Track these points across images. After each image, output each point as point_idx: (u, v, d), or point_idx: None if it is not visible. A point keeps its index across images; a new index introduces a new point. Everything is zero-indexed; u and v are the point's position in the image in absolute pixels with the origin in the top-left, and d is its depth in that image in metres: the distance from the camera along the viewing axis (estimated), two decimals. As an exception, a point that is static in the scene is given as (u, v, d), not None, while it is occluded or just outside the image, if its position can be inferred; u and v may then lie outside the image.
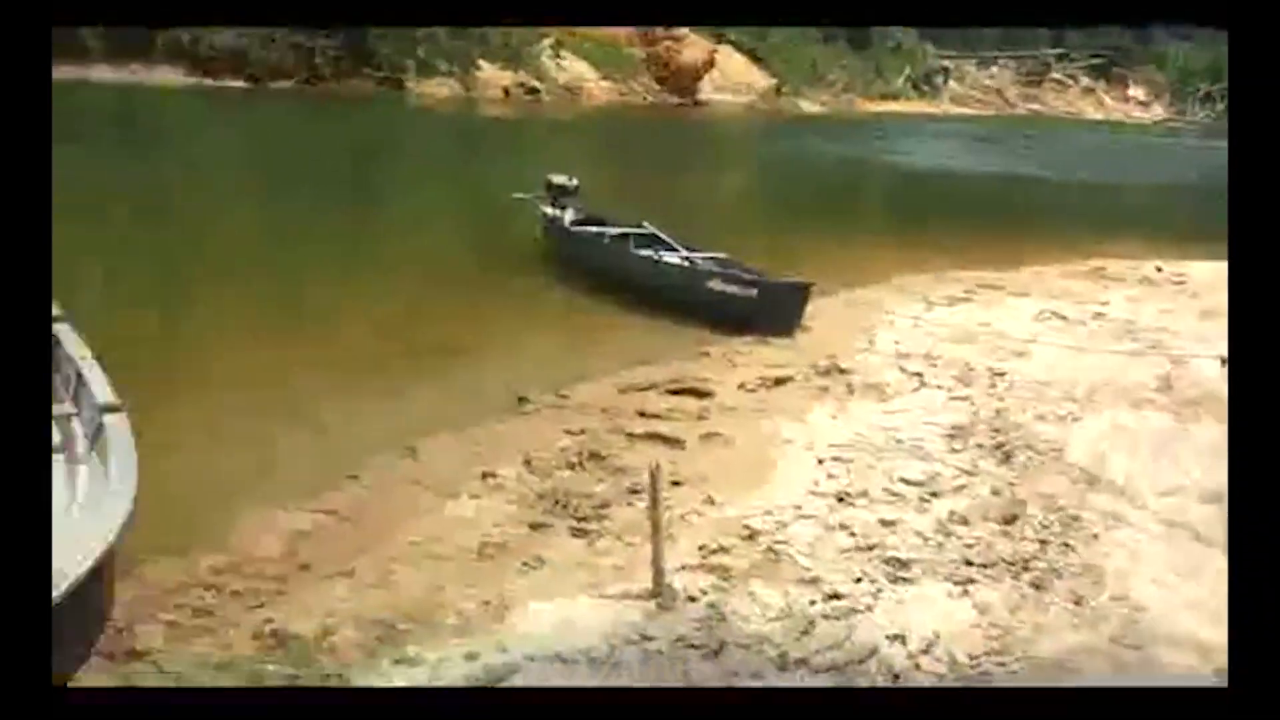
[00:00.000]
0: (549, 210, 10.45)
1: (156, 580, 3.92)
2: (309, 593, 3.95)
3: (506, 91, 28.34)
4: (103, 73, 22.22)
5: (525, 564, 4.26)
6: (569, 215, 10.29)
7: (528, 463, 5.34)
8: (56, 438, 4.41)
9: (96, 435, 4.08)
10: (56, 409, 4.48)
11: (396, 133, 22.12)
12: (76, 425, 4.34)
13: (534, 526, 4.66)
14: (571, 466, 5.36)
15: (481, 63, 28.35)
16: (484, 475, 5.16)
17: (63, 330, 4.85)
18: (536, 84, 29.16)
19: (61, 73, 21.03)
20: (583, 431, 5.86)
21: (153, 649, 3.48)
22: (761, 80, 35.16)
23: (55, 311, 5.14)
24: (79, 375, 4.46)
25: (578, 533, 4.61)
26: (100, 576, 3.48)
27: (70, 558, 3.16)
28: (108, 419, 4.00)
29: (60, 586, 2.98)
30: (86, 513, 3.66)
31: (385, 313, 8.46)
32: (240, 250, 10.28)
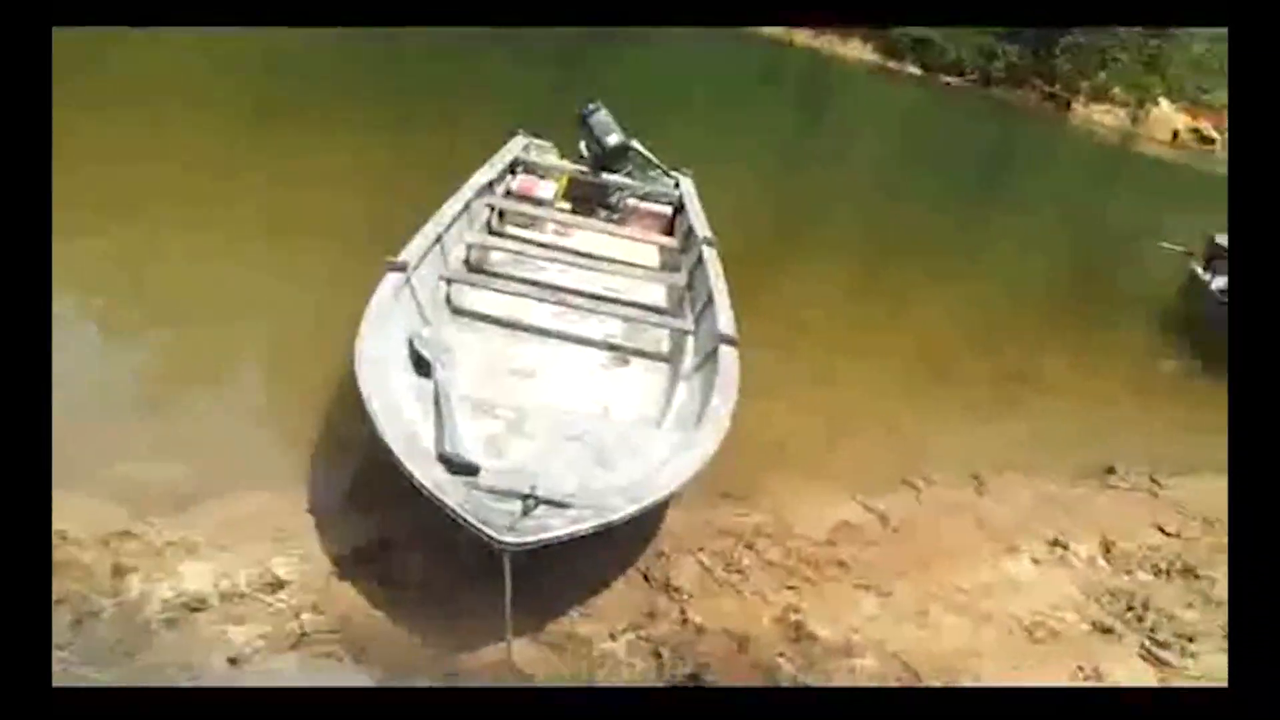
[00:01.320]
0: (1199, 270, 9.15)
1: (706, 520, 3.90)
2: (840, 596, 3.67)
3: (1175, 134, 25.82)
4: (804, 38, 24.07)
5: (1080, 668, 3.59)
6: (1219, 281, 8.89)
7: (1106, 548, 4.57)
8: (665, 349, 4.62)
9: (706, 361, 4.16)
10: (677, 322, 4.68)
11: (1050, 150, 21.12)
12: (690, 343, 4.49)
13: (1097, 627, 3.93)
14: (1158, 573, 4.48)
15: (1161, 100, 25.95)
16: (1053, 542, 4.49)
17: (709, 254, 5.05)
18: (1215, 133, 26.07)
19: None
20: (1178, 535, 4.91)
21: (683, 588, 3.45)
22: None
23: (707, 233, 5.39)
24: (710, 299, 4.59)
25: (1149, 658, 3.80)
26: (667, 500, 3.54)
27: (654, 472, 3.22)
28: (723, 349, 4.05)
29: (642, 502, 3.02)
30: (673, 431, 3.73)
31: (976, 326, 7.88)
32: (863, 217, 10.34)
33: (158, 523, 3.25)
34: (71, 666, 2.59)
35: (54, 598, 2.80)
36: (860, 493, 4.51)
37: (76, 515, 3.19)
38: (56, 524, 3.11)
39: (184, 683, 2.62)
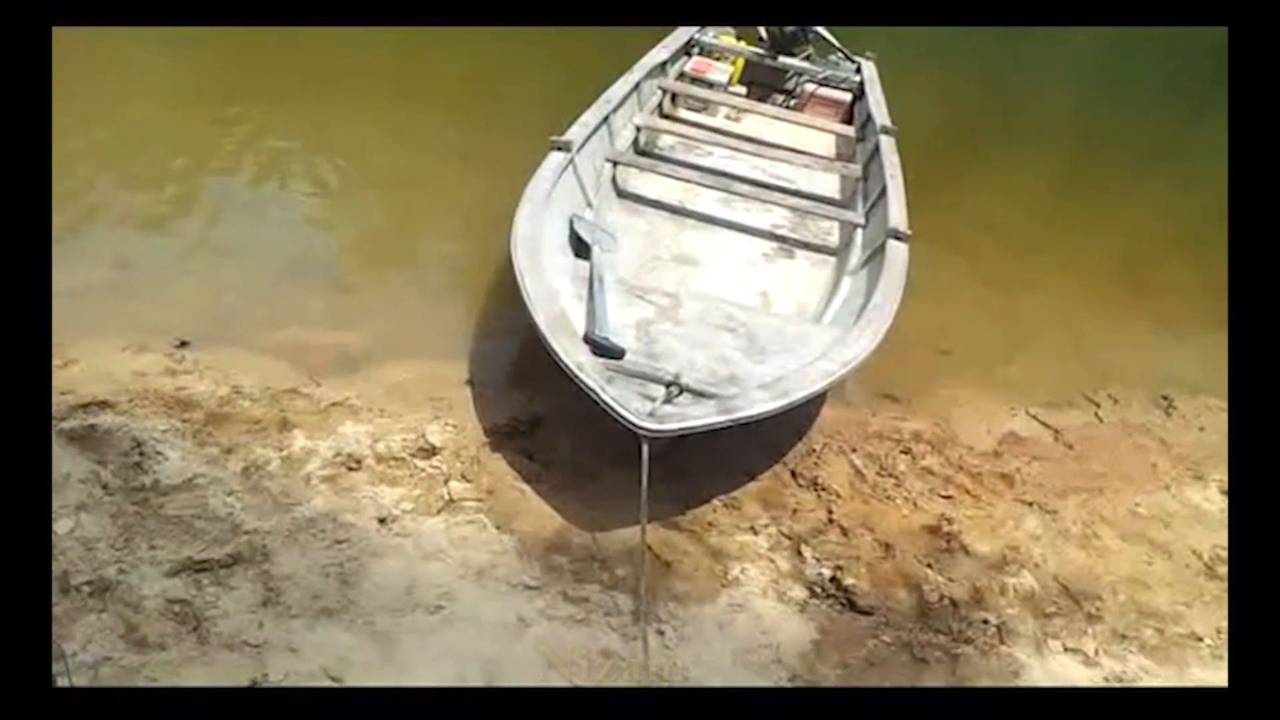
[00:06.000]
0: None
1: (863, 421, 3.77)
2: (1000, 510, 3.49)
3: None
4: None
5: (1263, 610, 3.32)
6: None
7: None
8: (833, 242, 4.43)
9: (873, 256, 3.97)
10: (847, 215, 4.48)
11: None
12: (859, 237, 4.29)
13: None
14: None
15: None
16: (1248, 473, 4.14)
17: (886, 144, 4.78)
18: None
19: None
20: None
21: (832, 488, 3.35)
22: None
23: (886, 122, 5.09)
24: (883, 192, 4.35)
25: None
26: (821, 397, 3.42)
27: (804, 368, 3.11)
28: (891, 244, 3.85)
29: (787, 398, 2.92)
30: (832, 327, 3.59)
31: (1186, 234, 6.99)
32: (1068, 110, 9.52)
33: (324, 384, 3.40)
34: (238, 513, 2.75)
35: (226, 446, 2.99)
36: (1034, 406, 4.25)
37: (251, 372, 3.37)
38: (233, 379, 3.31)
39: (323, 547, 2.73)
